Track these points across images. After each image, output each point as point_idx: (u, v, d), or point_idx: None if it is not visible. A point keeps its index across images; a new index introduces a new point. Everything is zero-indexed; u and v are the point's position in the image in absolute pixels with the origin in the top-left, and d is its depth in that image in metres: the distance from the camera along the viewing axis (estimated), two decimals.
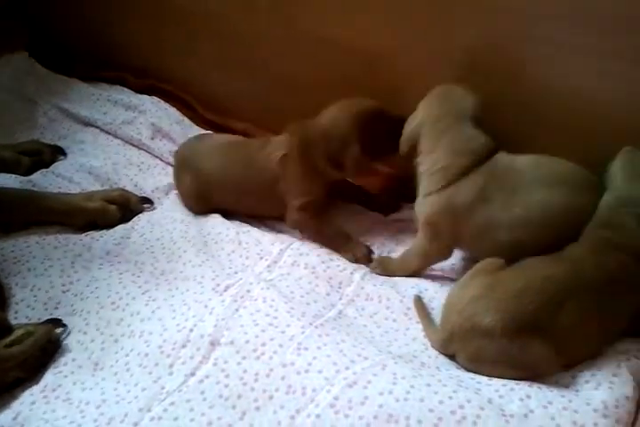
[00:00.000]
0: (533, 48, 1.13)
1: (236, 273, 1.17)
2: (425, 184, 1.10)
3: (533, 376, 0.92)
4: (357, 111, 1.21)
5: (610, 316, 0.95)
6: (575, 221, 1.01)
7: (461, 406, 0.87)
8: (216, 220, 1.33)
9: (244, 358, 0.99)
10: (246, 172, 1.31)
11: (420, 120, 1.11)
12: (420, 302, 1.10)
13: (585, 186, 1.05)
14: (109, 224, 1.34)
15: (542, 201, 1.02)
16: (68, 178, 1.47)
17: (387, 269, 1.19)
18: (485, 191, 1.04)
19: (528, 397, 0.89)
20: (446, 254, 1.13)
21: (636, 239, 0.96)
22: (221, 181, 1.33)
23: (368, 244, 1.27)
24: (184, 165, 1.38)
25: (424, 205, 1.10)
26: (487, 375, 0.94)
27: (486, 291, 0.96)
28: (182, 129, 1.58)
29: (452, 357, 0.99)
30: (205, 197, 1.35)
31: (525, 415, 0.86)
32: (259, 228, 1.31)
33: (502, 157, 1.08)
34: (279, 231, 1.32)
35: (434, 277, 1.17)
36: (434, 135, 1.09)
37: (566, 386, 0.92)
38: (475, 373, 0.95)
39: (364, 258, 1.22)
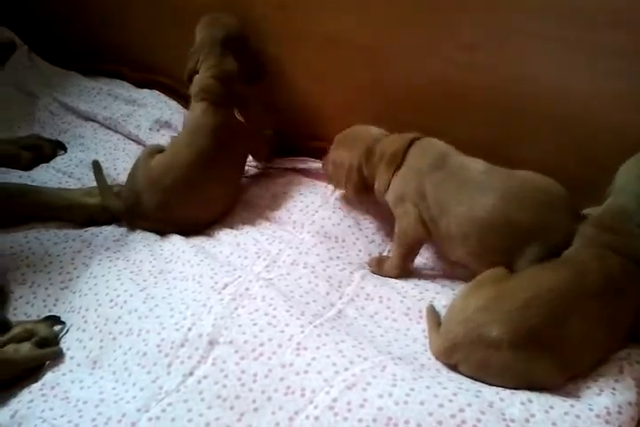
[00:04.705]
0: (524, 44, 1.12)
1: (234, 270, 1.15)
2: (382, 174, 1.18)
3: (536, 389, 0.91)
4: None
5: (615, 324, 0.94)
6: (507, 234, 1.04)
7: (461, 410, 0.86)
8: (214, 225, 1.32)
9: (242, 358, 0.98)
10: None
11: None
12: (432, 311, 1.07)
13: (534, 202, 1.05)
14: (109, 220, 1.33)
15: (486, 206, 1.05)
16: (69, 173, 1.46)
17: (381, 268, 1.18)
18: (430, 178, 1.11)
19: (530, 401, 0.88)
20: (420, 232, 1.13)
21: (638, 246, 0.96)
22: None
23: None
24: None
25: (391, 192, 1.17)
26: (489, 385, 0.92)
27: (492, 302, 0.95)
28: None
29: (453, 366, 0.97)
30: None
31: (527, 420, 0.85)
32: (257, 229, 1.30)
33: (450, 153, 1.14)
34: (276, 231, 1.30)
35: (435, 278, 1.16)
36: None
37: (568, 391, 0.91)
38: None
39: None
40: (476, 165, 1.11)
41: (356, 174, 1.21)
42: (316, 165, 1.43)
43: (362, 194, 1.24)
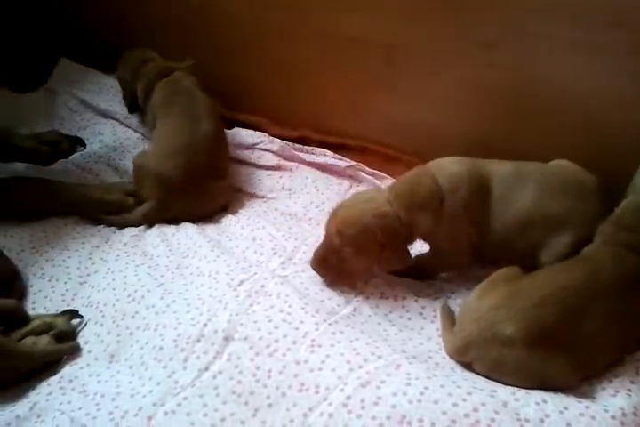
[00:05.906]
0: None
1: (250, 267, 1.16)
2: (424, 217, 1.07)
3: (550, 389, 0.91)
4: None
5: (630, 323, 0.93)
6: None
7: (475, 409, 0.85)
8: (230, 220, 1.34)
9: (257, 354, 0.98)
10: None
11: None
12: (446, 310, 1.07)
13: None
14: None
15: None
16: (88, 169, 1.48)
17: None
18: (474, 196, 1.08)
19: (544, 401, 0.87)
20: (462, 264, 1.14)
21: None
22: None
23: None
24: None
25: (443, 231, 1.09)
26: (503, 384, 0.92)
27: (506, 300, 0.94)
28: None
29: (467, 364, 0.97)
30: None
31: (541, 420, 0.85)
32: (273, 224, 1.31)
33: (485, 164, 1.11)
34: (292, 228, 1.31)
35: (449, 278, 1.16)
36: None
37: (583, 392, 0.90)
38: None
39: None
40: (505, 169, 1.10)
41: (399, 233, 1.06)
42: (332, 160, 1.44)
43: (406, 251, 1.11)
